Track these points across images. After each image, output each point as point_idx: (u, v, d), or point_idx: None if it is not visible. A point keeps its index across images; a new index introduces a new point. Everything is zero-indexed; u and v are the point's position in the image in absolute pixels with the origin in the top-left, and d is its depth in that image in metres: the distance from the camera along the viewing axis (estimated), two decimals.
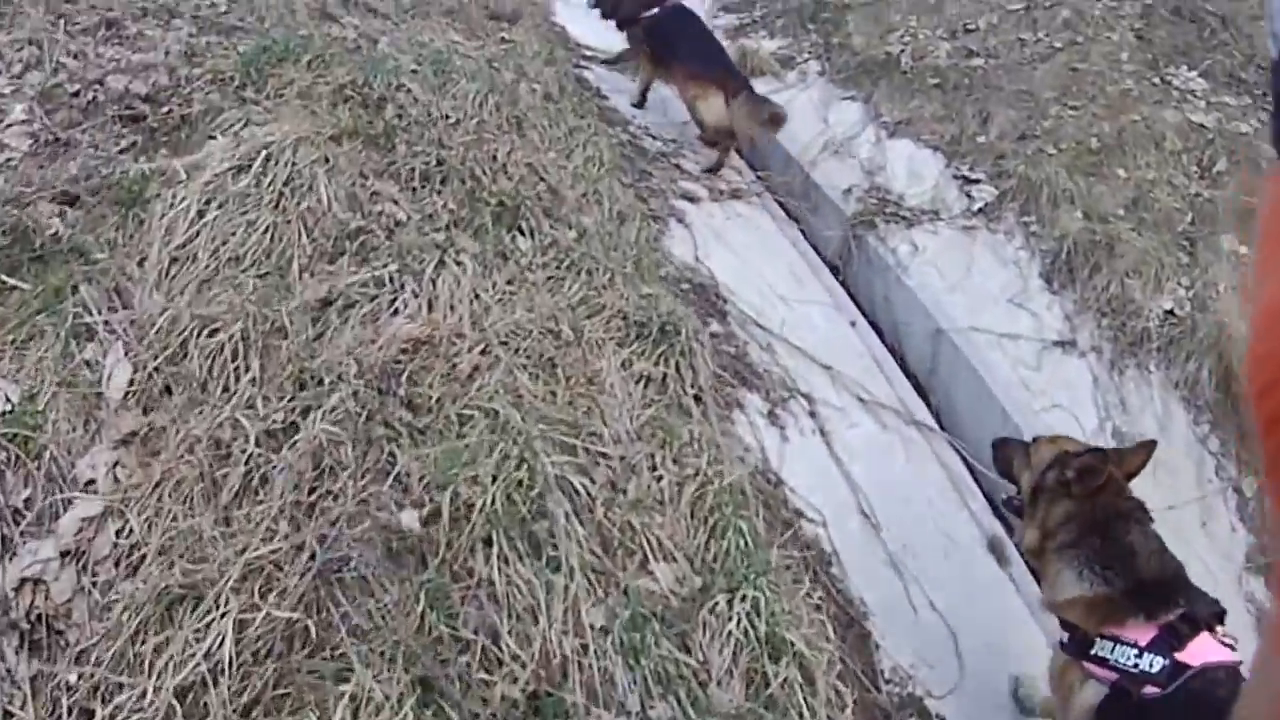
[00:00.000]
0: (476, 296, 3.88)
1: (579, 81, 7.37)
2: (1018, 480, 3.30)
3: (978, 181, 6.96)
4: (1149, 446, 3.03)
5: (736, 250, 5.77)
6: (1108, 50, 7.95)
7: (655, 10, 7.15)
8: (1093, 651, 2.59)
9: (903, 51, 8.20)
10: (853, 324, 5.89)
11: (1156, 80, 7.71)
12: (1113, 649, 2.53)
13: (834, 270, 6.60)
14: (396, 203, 4.23)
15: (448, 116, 4.99)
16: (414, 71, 5.49)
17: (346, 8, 6.40)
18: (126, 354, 3.39)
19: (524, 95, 5.98)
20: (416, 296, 3.76)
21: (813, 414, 4.90)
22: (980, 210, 6.77)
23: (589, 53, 8.41)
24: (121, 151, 4.36)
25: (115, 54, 5.29)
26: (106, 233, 3.85)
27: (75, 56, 5.17)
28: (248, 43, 5.30)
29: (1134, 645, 2.48)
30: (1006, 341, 5.99)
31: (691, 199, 6.12)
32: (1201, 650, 2.41)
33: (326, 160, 4.18)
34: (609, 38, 9.25)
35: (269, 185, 3.90)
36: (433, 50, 6.19)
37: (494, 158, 4.85)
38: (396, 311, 3.72)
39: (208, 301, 3.50)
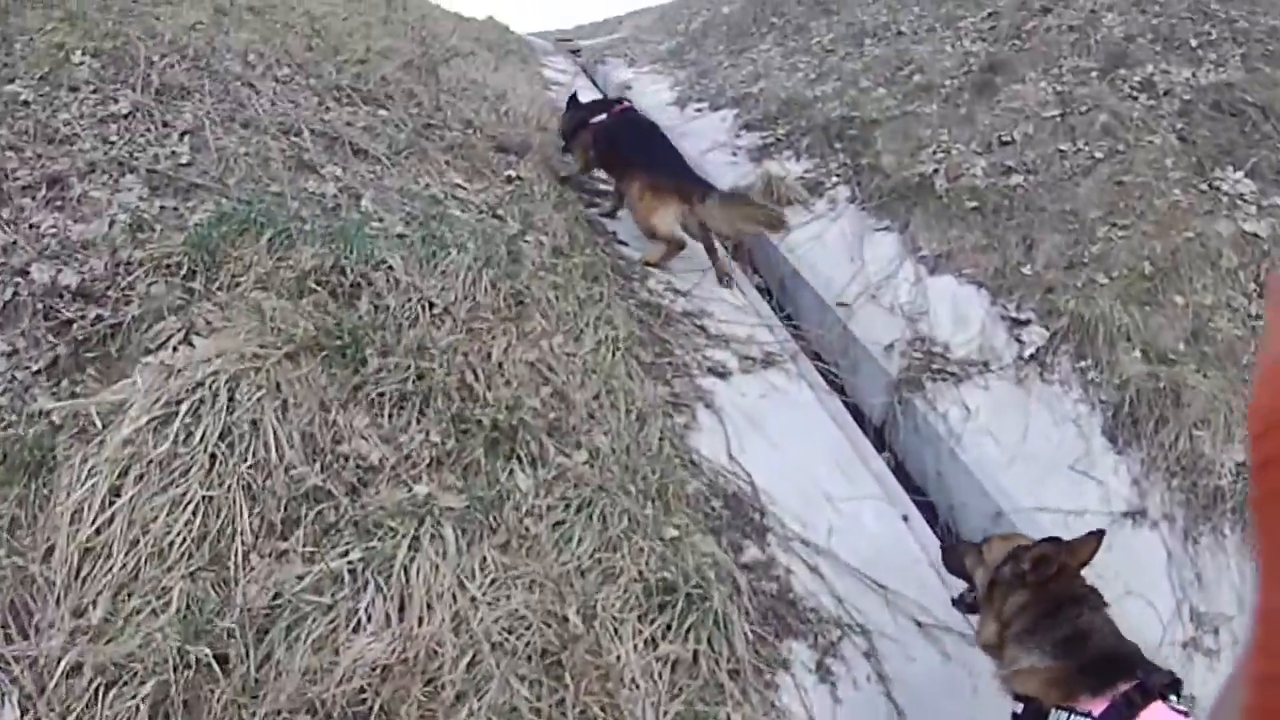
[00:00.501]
0: (461, 587, 2.96)
1: (590, 225, 6.52)
2: (970, 577, 3.25)
3: (1027, 323, 6.06)
4: (1098, 536, 2.92)
5: (774, 439, 4.86)
6: (1151, 157, 7.07)
7: (603, 116, 6.72)
8: None
9: (936, 171, 7.34)
10: (905, 518, 4.96)
11: (1204, 186, 6.82)
12: (1067, 718, 2.48)
13: (879, 439, 5.70)
14: (366, 439, 3.33)
15: (433, 305, 4.13)
16: (400, 237, 4.64)
17: (330, 154, 5.58)
18: (22, 713, 2.49)
19: (529, 254, 5.13)
20: (385, 599, 2.85)
21: (868, 654, 3.99)
22: (1032, 356, 5.88)
23: (605, 185, 7.61)
24: (38, 373, 3.50)
25: (53, 223, 4.44)
26: (8, 509, 2.97)
27: (6, 226, 4.34)
28: (206, 208, 4.46)
29: (1088, 715, 2.44)
30: (1073, 519, 5.08)
31: (720, 372, 5.23)
32: (1153, 717, 2.37)
33: (278, 390, 3.29)
34: None
35: (201, 441, 3.01)
36: (425, 202, 5.36)
37: (488, 356, 3.99)
38: (359, 625, 2.81)
39: (120, 636, 2.57)
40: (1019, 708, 2.73)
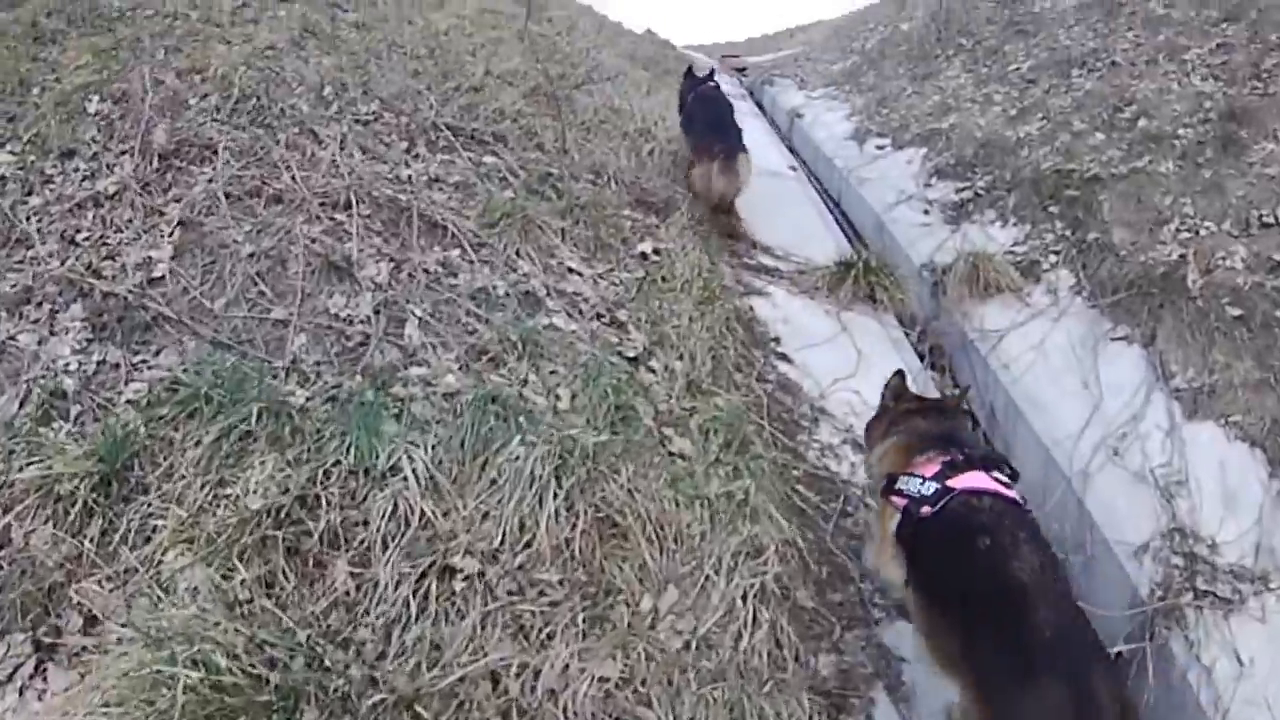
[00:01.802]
0: None
1: (747, 328, 4.52)
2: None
3: None
4: (965, 390, 3.70)
5: None
6: None
7: (693, 94, 6.42)
8: (896, 487, 2.76)
9: (1183, 258, 5.08)
10: None
11: None
12: (908, 481, 2.74)
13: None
14: None
15: (454, 571, 2.27)
16: (433, 424, 2.81)
17: (385, 239, 3.77)
18: None
19: (650, 398, 3.27)
20: None
21: None
22: None
23: (769, 259, 5.58)
24: None
25: None
26: None
27: None
28: (157, 366, 2.74)
29: (921, 477, 2.72)
30: None
31: None
32: (969, 480, 2.65)
33: None
34: (797, 224, 6.46)
35: None
36: (510, 314, 3.52)
37: (533, 680, 2.10)
38: None
39: None
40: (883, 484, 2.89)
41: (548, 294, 3.94)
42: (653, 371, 3.66)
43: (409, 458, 2.58)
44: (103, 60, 4.79)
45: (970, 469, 2.68)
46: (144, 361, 2.85)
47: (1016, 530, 2.49)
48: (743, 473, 3.24)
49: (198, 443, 2.46)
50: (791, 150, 8.70)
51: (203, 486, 2.39)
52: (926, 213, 6.56)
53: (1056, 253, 5.78)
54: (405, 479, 2.51)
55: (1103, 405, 4.57)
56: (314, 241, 3.50)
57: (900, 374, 3.24)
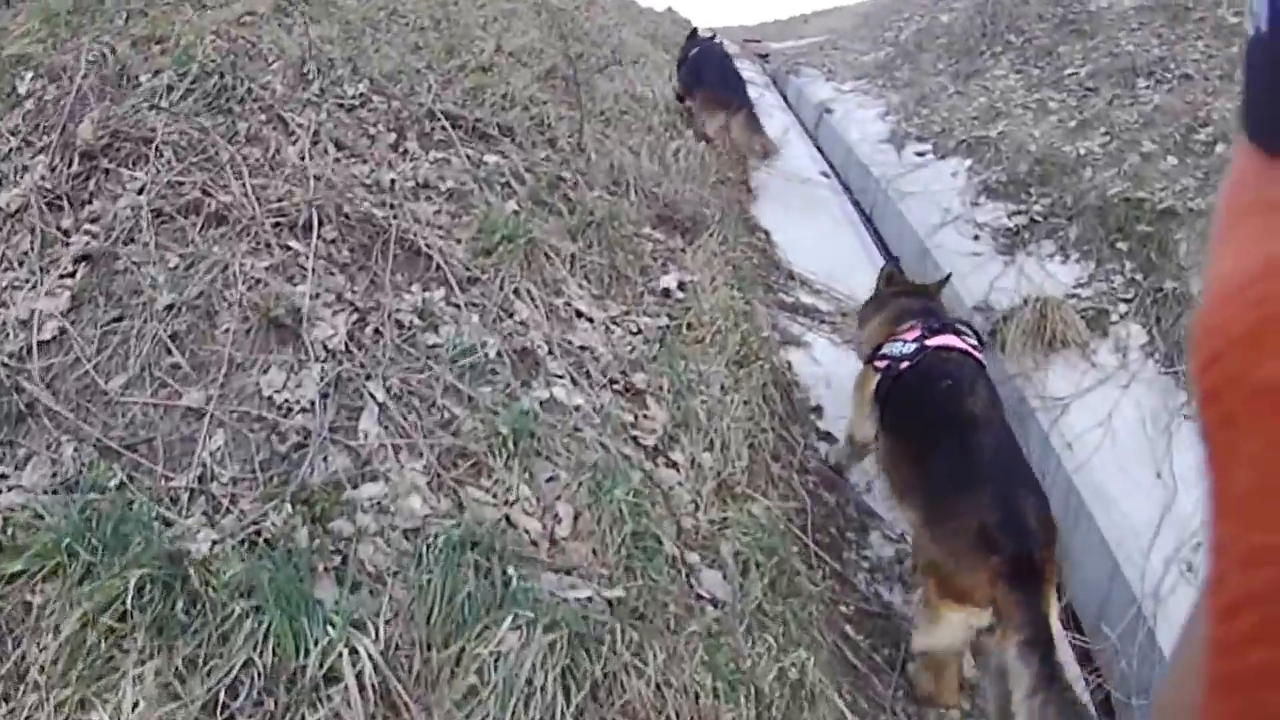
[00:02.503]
0: None
1: (786, 395, 3.66)
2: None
3: None
4: (948, 277, 3.90)
5: None
6: None
7: (695, 49, 6.58)
8: (881, 352, 3.17)
9: None
10: None
11: None
12: (892, 345, 3.14)
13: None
14: None
15: None
16: (389, 579, 1.99)
17: (350, 274, 2.90)
18: None
19: (664, 539, 2.44)
20: None
21: None
22: None
23: (807, 295, 4.70)
24: None
25: None
26: None
27: None
28: None
29: (904, 341, 3.12)
30: None
31: None
32: (942, 340, 3.06)
33: None
34: (835, 247, 5.60)
35: None
36: (499, 385, 2.67)
37: None
38: None
39: None
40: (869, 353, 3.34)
41: (549, 351, 3.09)
42: (675, 467, 2.83)
43: (351, 652, 1.75)
44: (51, 26, 3.91)
45: (944, 333, 3.10)
46: (2, 477, 2.00)
47: (974, 377, 2.92)
48: (790, 626, 2.42)
49: (56, 629, 1.63)
50: (819, 149, 7.77)
51: (57, 711, 1.56)
52: (977, 238, 5.70)
53: (1127, 300, 4.95)
54: (346, 689, 1.68)
55: (1176, 503, 3.79)
56: (256, 284, 2.62)
57: (895, 260, 3.50)
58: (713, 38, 6.78)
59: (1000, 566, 2.40)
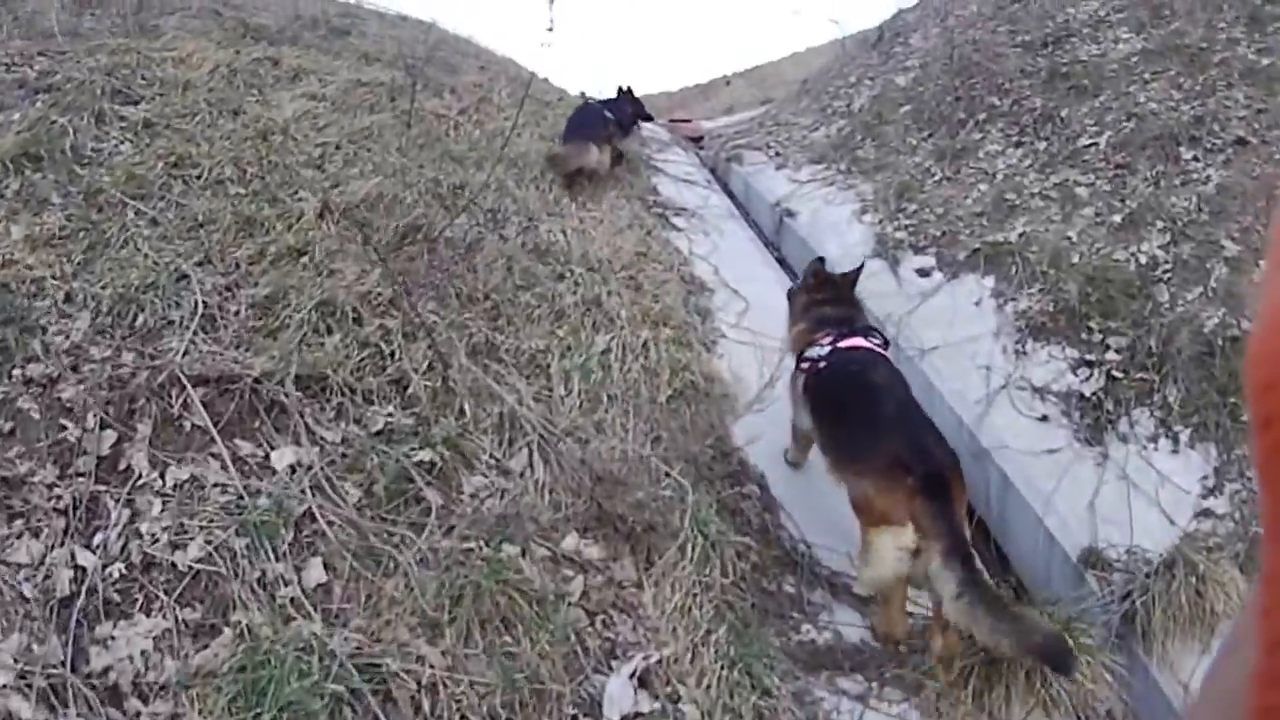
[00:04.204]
0: None
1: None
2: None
3: None
4: (861, 268, 3.90)
5: None
6: None
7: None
8: (805, 356, 3.39)
9: None
10: None
11: None
12: (811, 350, 3.37)
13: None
14: None
15: None
16: None
17: None
18: None
19: None
20: None
21: None
22: None
23: (842, 617, 2.84)
24: None
25: None
26: None
27: None
28: None
29: (820, 345, 3.35)
30: None
31: None
32: (850, 343, 3.33)
33: None
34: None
35: None
36: None
37: None
38: None
39: None
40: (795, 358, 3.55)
41: None
42: None
43: None
44: None
45: (853, 336, 3.37)
46: None
47: (876, 363, 3.26)
48: None
49: None
50: (782, 263, 5.90)
51: None
52: (1045, 419, 3.84)
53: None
54: None
55: None
56: None
57: (821, 260, 3.90)
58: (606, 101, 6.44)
59: (915, 485, 2.70)
